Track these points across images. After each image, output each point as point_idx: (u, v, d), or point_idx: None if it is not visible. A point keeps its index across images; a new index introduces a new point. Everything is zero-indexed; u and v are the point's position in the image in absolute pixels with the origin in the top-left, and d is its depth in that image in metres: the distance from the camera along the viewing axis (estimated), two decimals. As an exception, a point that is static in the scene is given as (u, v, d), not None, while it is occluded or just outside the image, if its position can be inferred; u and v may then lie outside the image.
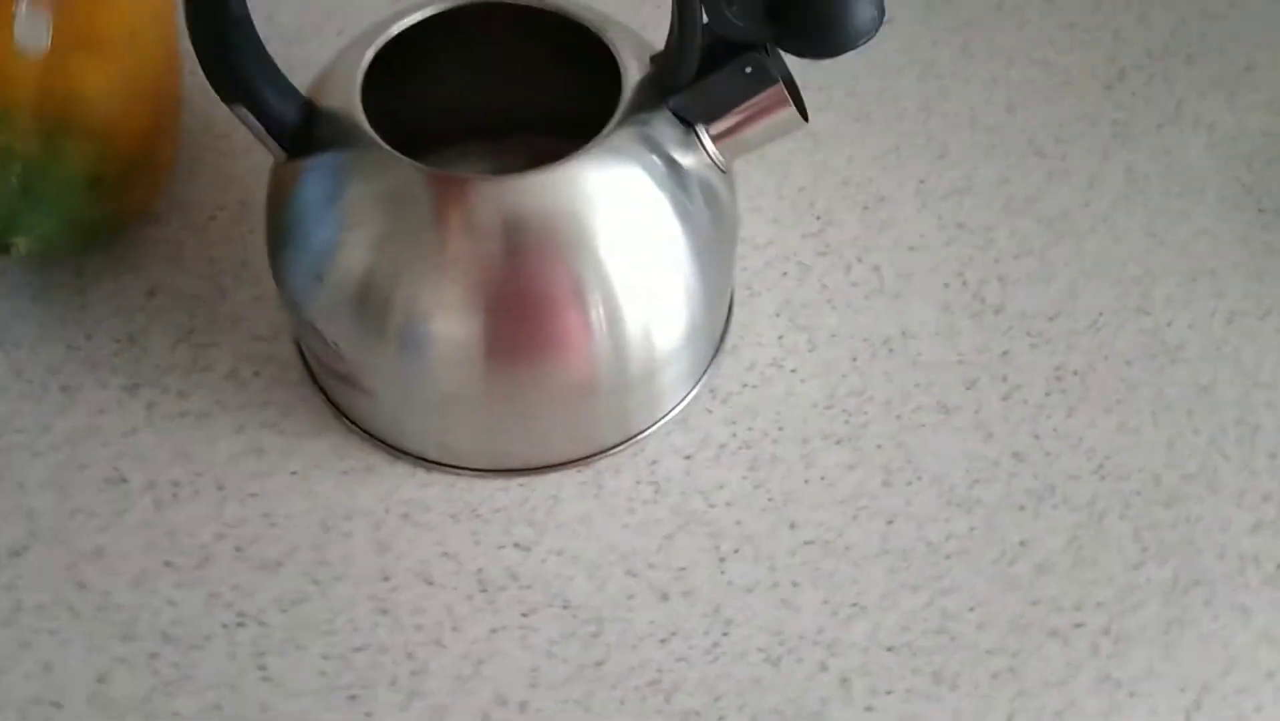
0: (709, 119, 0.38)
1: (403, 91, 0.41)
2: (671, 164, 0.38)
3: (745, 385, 0.45)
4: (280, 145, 0.38)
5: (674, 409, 0.44)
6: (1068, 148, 0.53)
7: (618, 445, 0.43)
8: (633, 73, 0.39)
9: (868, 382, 0.45)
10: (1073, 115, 0.54)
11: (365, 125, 0.37)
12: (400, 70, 0.41)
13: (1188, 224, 0.50)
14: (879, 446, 0.44)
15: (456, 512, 0.42)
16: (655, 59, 0.40)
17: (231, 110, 0.37)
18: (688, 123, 0.38)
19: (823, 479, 0.43)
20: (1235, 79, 0.55)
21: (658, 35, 0.39)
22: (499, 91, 0.45)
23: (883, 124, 0.54)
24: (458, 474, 0.43)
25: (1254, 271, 0.48)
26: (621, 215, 0.38)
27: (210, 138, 0.54)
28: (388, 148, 0.37)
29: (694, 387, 0.44)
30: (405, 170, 0.37)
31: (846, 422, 0.44)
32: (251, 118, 0.37)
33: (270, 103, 0.38)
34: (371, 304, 0.38)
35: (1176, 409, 0.44)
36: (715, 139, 0.39)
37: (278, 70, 0.38)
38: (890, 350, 0.46)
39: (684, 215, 0.38)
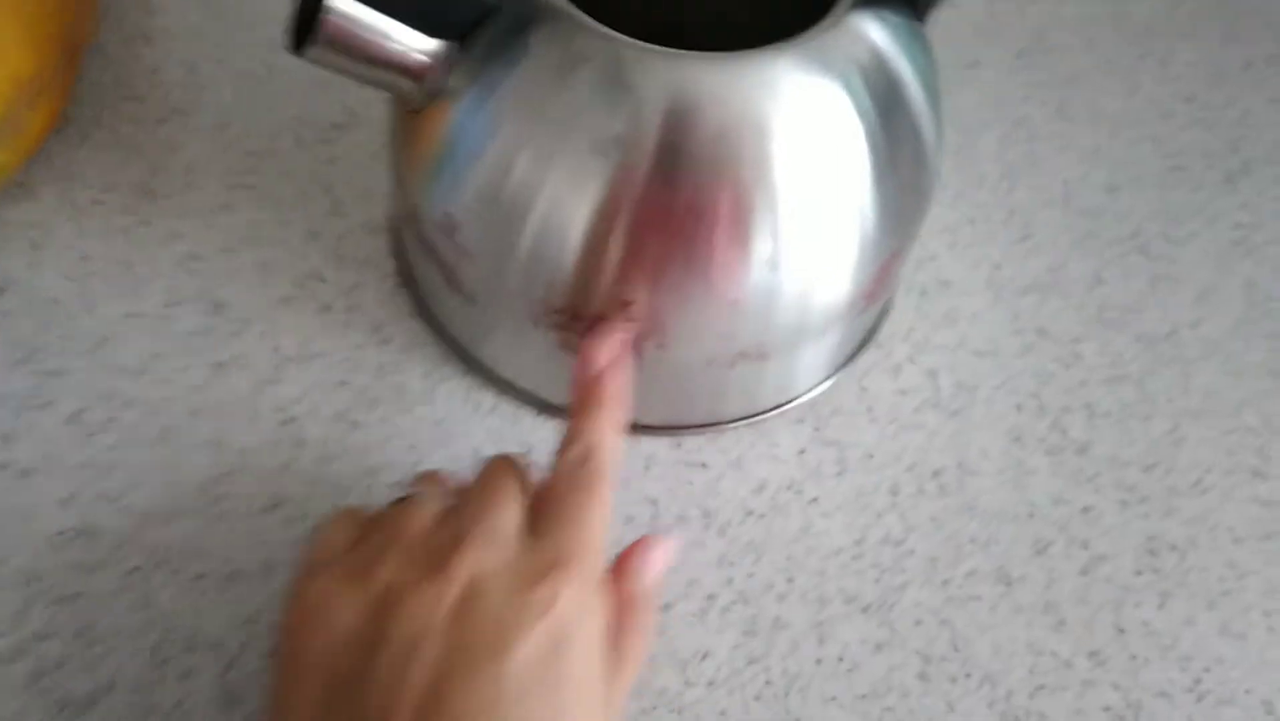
0: None
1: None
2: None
3: (750, 512, 0.35)
4: None
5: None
6: (1178, 249, 0.42)
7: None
8: None
9: (909, 528, 0.35)
10: (1187, 209, 0.43)
11: None
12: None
13: (1323, 366, 0.39)
14: (918, 622, 0.33)
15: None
16: None
17: None
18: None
19: (840, 660, 0.32)
20: (1384, 188, 0.45)
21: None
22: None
23: (955, 189, 0.43)
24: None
25: (1404, 439, 0.38)
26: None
27: (117, 97, 0.42)
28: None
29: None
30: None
31: (878, 581, 0.34)
32: None
33: None
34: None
35: (1302, 615, 0.34)
36: None
37: None
38: (941, 487, 0.36)
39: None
